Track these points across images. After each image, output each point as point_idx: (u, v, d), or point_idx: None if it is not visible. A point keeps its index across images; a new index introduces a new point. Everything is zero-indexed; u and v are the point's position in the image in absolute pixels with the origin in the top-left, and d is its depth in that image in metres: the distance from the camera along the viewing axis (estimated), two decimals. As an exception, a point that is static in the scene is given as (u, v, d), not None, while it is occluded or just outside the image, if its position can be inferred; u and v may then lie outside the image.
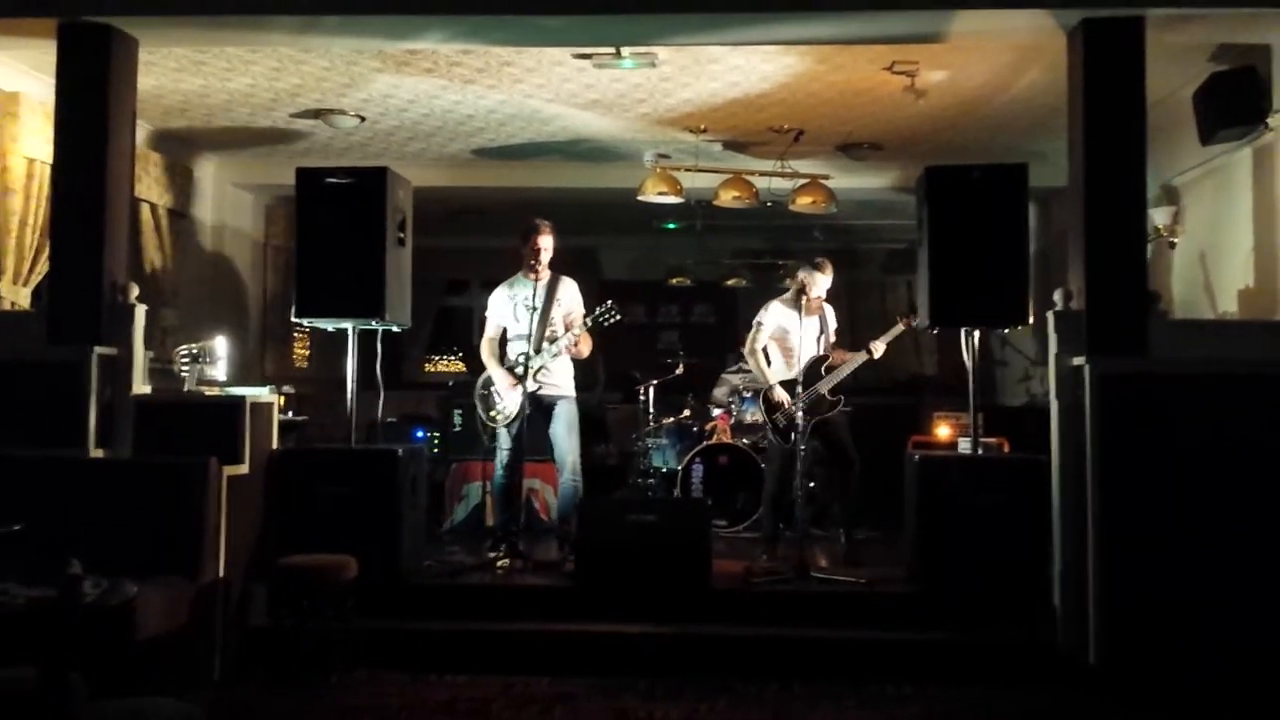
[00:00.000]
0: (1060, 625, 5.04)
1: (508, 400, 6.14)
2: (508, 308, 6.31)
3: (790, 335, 6.39)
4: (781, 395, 6.36)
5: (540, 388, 6.07)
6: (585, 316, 6.12)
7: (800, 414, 6.00)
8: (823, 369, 6.37)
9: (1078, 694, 4.81)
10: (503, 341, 6.35)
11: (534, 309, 6.09)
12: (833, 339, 6.56)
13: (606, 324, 6.06)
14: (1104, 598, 4.87)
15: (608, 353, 10.46)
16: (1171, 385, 4.96)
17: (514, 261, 6.39)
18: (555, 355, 6.08)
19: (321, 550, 5.09)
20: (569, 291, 6.30)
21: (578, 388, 6.35)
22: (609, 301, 6.08)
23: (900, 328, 6.38)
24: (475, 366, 6.38)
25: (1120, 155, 5.15)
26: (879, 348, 6.41)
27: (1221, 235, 6.74)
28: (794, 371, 6.32)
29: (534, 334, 6.08)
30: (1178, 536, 4.84)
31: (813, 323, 6.47)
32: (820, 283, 6.38)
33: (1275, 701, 4.59)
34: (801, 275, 6.42)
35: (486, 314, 6.48)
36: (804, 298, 6.33)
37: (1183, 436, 4.90)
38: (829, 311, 6.60)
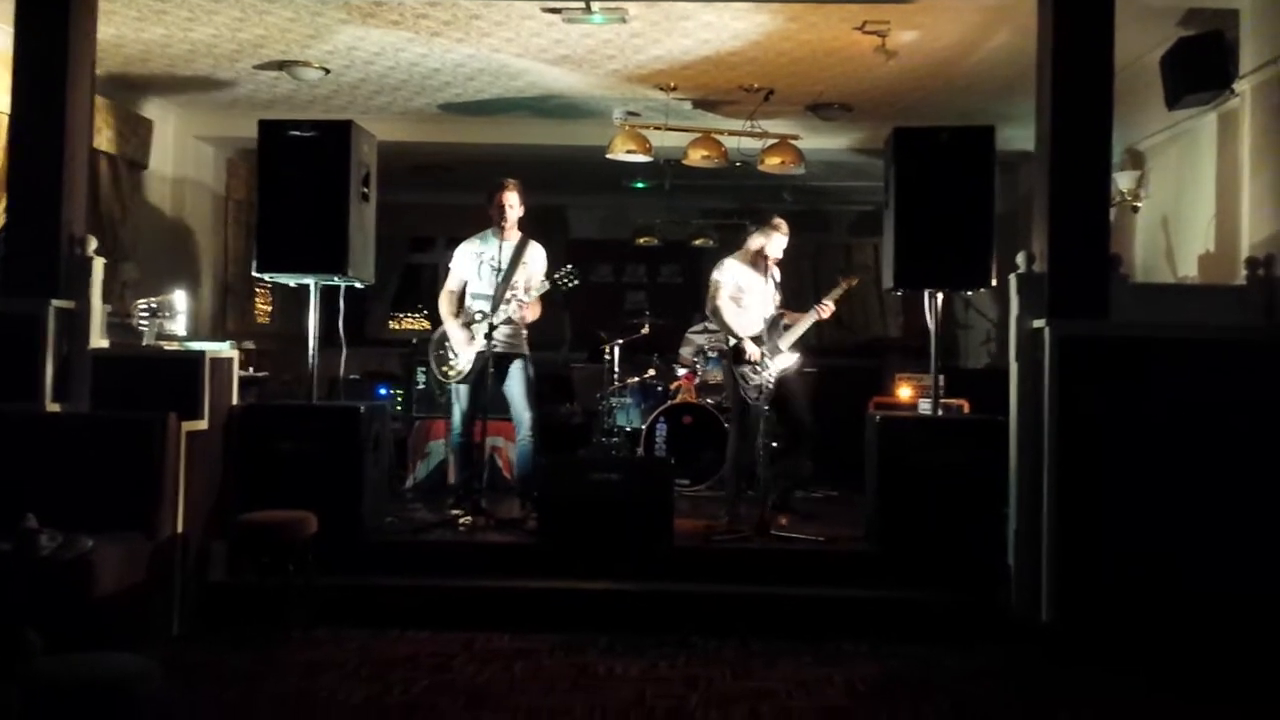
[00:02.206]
0: (1014, 585, 5.11)
1: (462, 356, 6.13)
2: (473, 264, 6.27)
3: (747, 294, 6.33)
4: (753, 350, 6.19)
5: (496, 345, 6.05)
6: (545, 280, 6.10)
7: (770, 370, 5.99)
8: (781, 326, 6.34)
9: (1030, 652, 4.88)
10: (461, 296, 6.32)
11: (498, 270, 6.07)
12: (778, 298, 6.41)
13: (565, 288, 6.04)
14: (1057, 558, 4.94)
15: (574, 312, 10.45)
16: (1131, 348, 5.01)
17: (481, 219, 6.34)
18: (503, 321, 6.05)
19: (282, 507, 5.07)
20: (535, 257, 6.26)
21: (543, 346, 6.33)
22: (569, 266, 6.05)
23: (842, 287, 6.37)
24: (439, 324, 6.35)
25: (1086, 118, 5.16)
26: (826, 308, 6.34)
27: (1185, 200, 6.79)
28: (752, 330, 6.30)
29: (495, 295, 6.06)
30: (1133, 498, 4.91)
31: (760, 278, 6.30)
32: (779, 242, 6.30)
33: (1225, 659, 4.68)
34: (759, 236, 6.33)
35: (450, 265, 6.43)
36: (764, 258, 6.29)
37: (1141, 399, 4.96)
38: (775, 271, 6.42)
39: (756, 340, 6.22)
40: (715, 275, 6.48)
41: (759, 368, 6.14)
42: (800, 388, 6.45)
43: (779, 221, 6.35)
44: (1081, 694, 4.42)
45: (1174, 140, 6.95)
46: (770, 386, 6.00)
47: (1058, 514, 4.95)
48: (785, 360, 6.26)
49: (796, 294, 6.59)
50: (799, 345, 6.40)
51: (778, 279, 6.40)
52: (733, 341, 6.31)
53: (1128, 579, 4.88)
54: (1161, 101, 6.36)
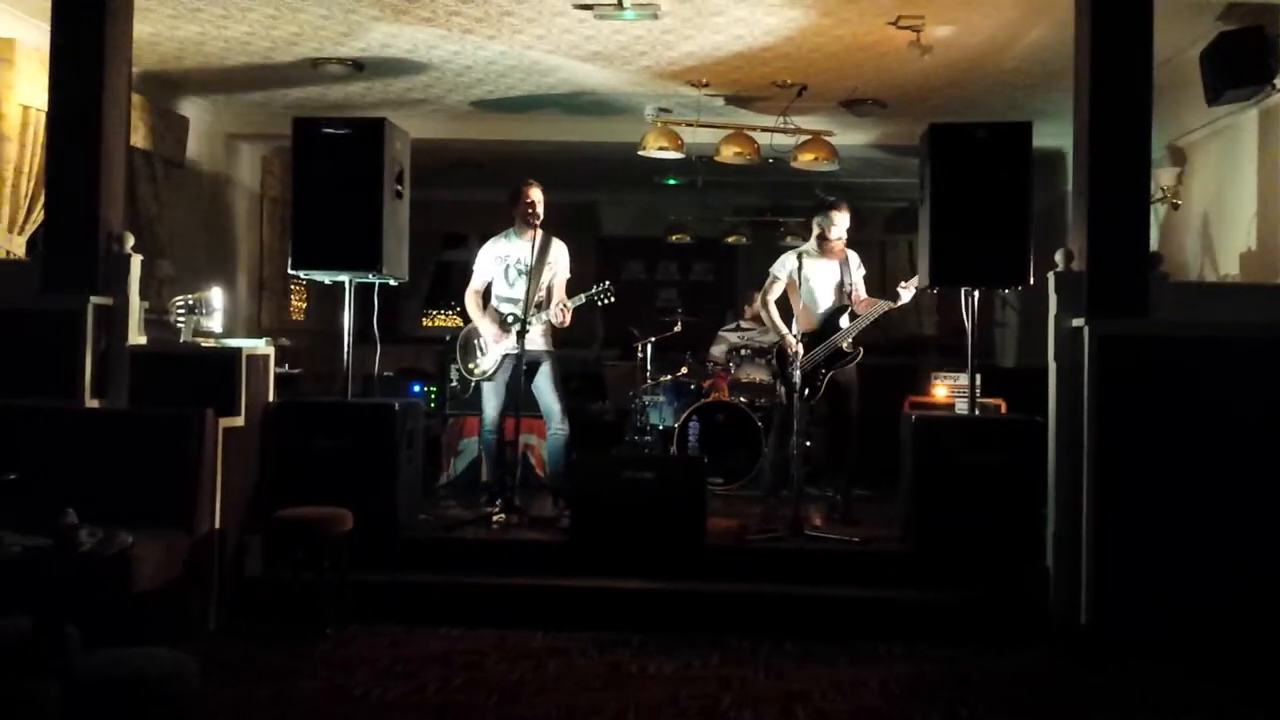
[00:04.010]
0: (1052, 586, 5.06)
1: (490, 354, 6.16)
2: (498, 266, 6.30)
3: (809, 286, 6.28)
4: (792, 344, 6.11)
5: (528, 345, 6.07)
6: (581, 294, 6.11)
7: (824, 368, 5.89)
8: (841, 320, 6.22)
9: (1068, 654, 4.84)
10: (486, 295, 6.34)
11: (524, 272, 6.10)
12: (859, 287, 6.33)
13: (600, 304, 6.08)
14: (1097, 559, 4.89)
15: (606, 309, 10.46)
16: (1171, 348, 4.94)
17: (509, 213, 6.37)
18: (544, 322, 6.08)
19: (317, 503, 5.10)
20: (559, 254, 6.28)
21: (575, 344, 6.35)
22: (606, 282, 6.09)
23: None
24: (469, 321, 6.39)
25: (1125, 114, 5.08)
26: (907, 293, 6.08)
27: (1226, 197, 6.70)
28: (812, 322, 6.23)
29: (526, 297, 6.09)
30: (1173, 499, 4.84)
31: (831, 268, 6.27)
32: (839, 222, 6.21)
33: (1266, 661, 4.61)
34: (819, 220, 6.28)
35: (475, 266, 6.45)
36: (825, 243, 6.24)
37: (1181, 399, 4.89)
38: (853, 258, 6.37)
39: (810, 336, 6.15)
40: (772, 269, 6.48)
41: (801, 364, 6.02)
42: (854, 385, 6.29)
43: (835, 200, 6.31)
44: (1120, 697, 4.36)
45: (1215, 137, 6.86)
46: (820, 383, 5.89)
47: (1097, 515, 4.89)
48: (841, 355, 6.14)
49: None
50: (860, 339, 6.23)
51: (858, 268, 6.31)
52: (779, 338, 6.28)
53: (1168, 581, 4.82)
54: (1202, 98, 6.27)
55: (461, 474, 7.55)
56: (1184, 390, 4.89)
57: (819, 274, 6.23)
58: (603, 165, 10.02)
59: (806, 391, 6.04)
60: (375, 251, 5.55)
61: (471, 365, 6.26)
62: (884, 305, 6.20)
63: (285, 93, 8.39)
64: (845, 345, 6.13)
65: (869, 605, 5.15)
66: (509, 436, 6.19)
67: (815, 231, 6.32)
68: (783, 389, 6.32)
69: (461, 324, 6.60)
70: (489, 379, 6.19)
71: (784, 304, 6.52)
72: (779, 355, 6.36)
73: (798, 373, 5.89)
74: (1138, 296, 5.01)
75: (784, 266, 6.39)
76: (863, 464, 6.77)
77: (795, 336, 6.14)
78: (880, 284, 6.34)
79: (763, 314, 6.50)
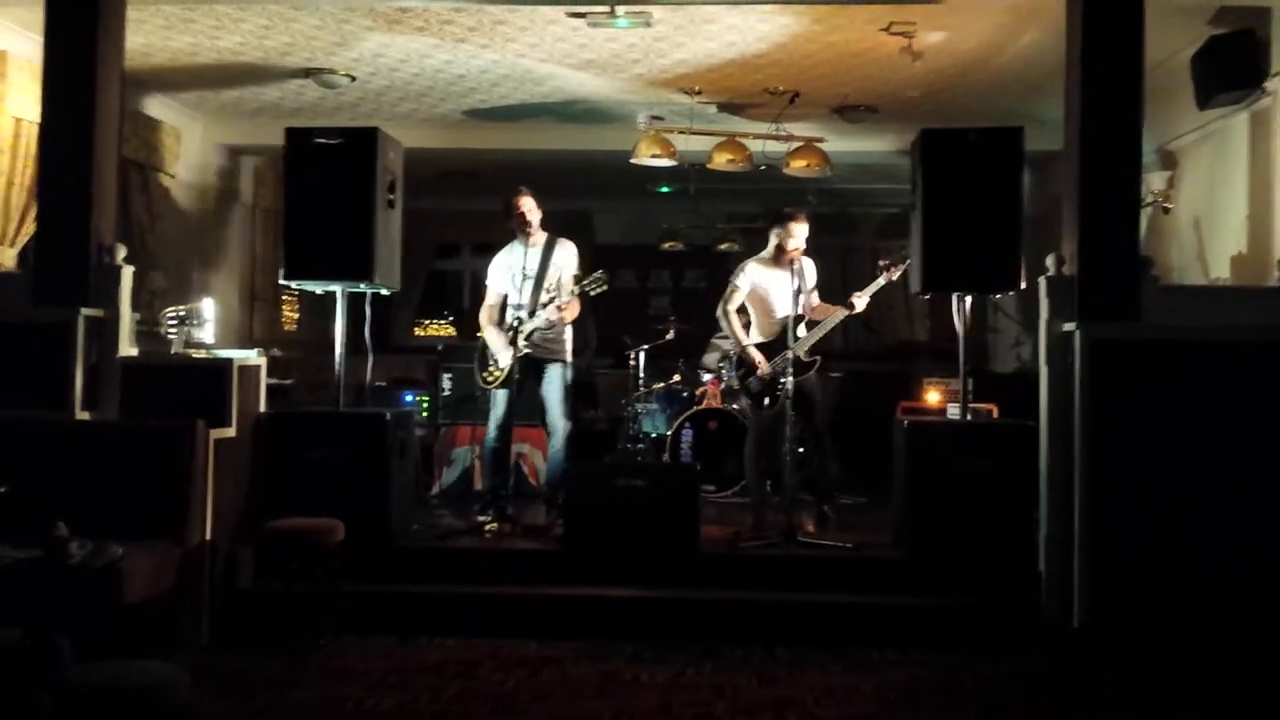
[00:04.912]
0: (1045, 590, 5.06)
1: (502, 360, 6.14)
2: (506, 277, 6.28)
3: (769, 295, 6.28)
4: (756, 358, 6.18)
5: (533, 350, 6.06)
6: (574, 285, 6.09)
7: (784, 376, 5.90)
8: (799, 329, 6.23)
9: (1061, 658, 4.83)
10: (502, 309, 6.32)
11: (528, 277, 6.08)
12: (813, 295, 6.34)
13: (593, 293, 6.04)
14: (1089, 563, 4.89)
15: (599, 317, 10.46)
16: (1163, 351, 4.94)
17: (505, 226, 6.36)
18: (546, 322, 6.05)
19: (309, 514, 5.09)
20: (566, 254, 6.25)
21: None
22: (600, 271, 6.05)
23: (882, 280, 6.19)
24: (466, 330, 6.39)
25: (1116, 118, 5.10)
26: (861, 301, 6.16)
27: (1217, 200, 6.71)
28: (772, 330, 6.24)
29: (528, 301, 6.08)
30: (1164, 502, 4.84)
31: (787, 277, 6.17)
32: (798, 233, 6.16)
33: (1259, 663, 4.61)
34: (777, 230, 6.25)
35: (487, 282, 6.45)
36: (782, 253, 6.24)
37: (1173, 402, 4.89)
38: (808, 266, 6.30)
39: (769, 345, 6.17)
40: (732, 278, 6.44)
41: (764, 374, 6.09)
42: (818, 391, 6.32)
43: (792, 212, 6.28)
44: (1114, 699, 4.37)
45: (1206, 140, 6.87)
46: (784, 391, 5.90)
47: (1089, 518, 4.89)
48: (799, 363, 6.15)
49: (824, 296, 6.45)
50: (819, 347, 6.26)
51: (809, 276, 6.31)
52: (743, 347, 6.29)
53: (1160, 583, 4.82)
54: (1193, 101, 6.28)
55: (453, 483, 7.53)
56: (1175, 393, 4.90)
57: (776, 282, 6.23)
58: (596, 173, 10.04)
59: (766, 401, 6.08)
60: (367, 261, 5.55)
61: (485, 373, 6.24)
62: (841, 313, 6.22)
63: (278, 103, 8.40)
64: (803, 354, 6.11)
65: (862, 611, 5.14)
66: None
67: (774, 242, 6.30)
68: (744, 399, 6.31)
69: (455, 334, 6.59)
70: (502, 385, 6.16)
71: (741, 312, 6.49)
72: (740, 365, 6.35)
73: (786, 379, 5.87)
74: (1129, 300, 5.02)
75: (745, 276, 6.35)
76: (855, 469, 6.77)
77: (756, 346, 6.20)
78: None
79: (724, 323, 6.46)
